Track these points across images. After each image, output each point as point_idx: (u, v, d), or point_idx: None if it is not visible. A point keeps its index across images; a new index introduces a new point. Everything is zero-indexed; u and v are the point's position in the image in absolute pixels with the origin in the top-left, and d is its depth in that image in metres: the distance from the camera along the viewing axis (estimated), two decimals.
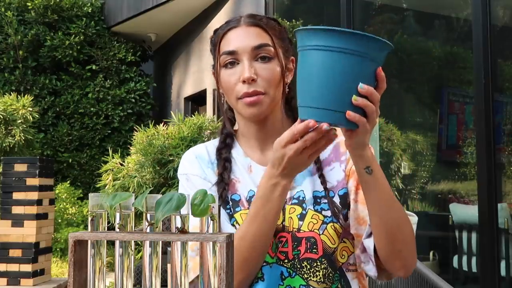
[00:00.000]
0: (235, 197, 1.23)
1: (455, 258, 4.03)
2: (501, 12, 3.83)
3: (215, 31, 1.26)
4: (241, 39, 1.18)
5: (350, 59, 0.89)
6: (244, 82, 1.16)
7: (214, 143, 1.31)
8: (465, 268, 3.92)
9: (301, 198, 1.20)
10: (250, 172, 1.25)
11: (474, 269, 3.80)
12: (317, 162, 1.22)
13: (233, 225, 1.20)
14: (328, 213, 1.20)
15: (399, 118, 5.00)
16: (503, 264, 3.32)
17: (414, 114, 5.11)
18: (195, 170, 1.26)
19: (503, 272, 3.33)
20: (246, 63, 1.17)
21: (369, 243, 1.14)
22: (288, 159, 1.02)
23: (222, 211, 1.22)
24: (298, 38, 0.96)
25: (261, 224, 1.09)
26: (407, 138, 4.77)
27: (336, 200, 1.21)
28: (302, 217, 1.19)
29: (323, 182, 1.20)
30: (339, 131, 1.25)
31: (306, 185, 1.22)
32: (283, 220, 1.19)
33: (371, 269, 1.16)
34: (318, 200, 1.20)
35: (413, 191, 4.69)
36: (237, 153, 1.28)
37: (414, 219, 1.24)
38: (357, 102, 0.91)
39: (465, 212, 4.08)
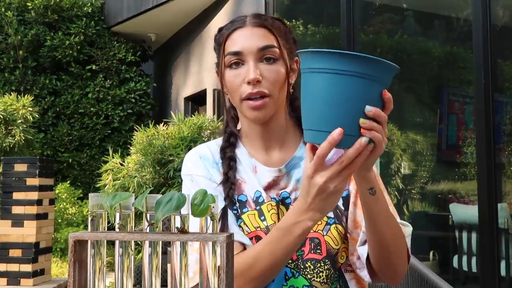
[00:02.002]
0: (241, 198, 1.22)
1: (455, 258, 4.03)
2: (501, 12, 3.83)
3: (220, 29, 1.25)
4: (247, 40, 1.18)
5: (358, 82, 0.89)
6: (249, 83, 1.16)
7: (217, 142, 1.30)
8: (465, 268, 3.92)
9: None
10: (255, 172, 1.24)
11: (474, 269, 3.80)
12: None
13: (240, 226, 1.20)
14: (332, 214, 1.20)
15: (399, 118, 5.00)
16: (503, 264, 3.32)
17: (414, 114, 5.11)
18: (200, 170, 1.25)
19: (503, 272, 3.33)
20: (252, 64, 1.16)
21: (363, 251, 1.16)
22: (319, 190, 0.97)
23: (229, 212, 1.21)
24: (302, 59, 0.95)
25: (276, 252, 1.08)
26: (407, 138, 4.77)
27: (339, 201, 1.21)
28: None
29: None
30: None
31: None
32: None
33: (365, 275, 1.18)
34: None
35: (413, 191, 4.69)
36: (241, 153, 1.27)
37: (408, 229, 1.24)
38: (365, 125, 0.91)
39: (465, 212, 4.08)
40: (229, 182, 1.21)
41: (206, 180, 1.24)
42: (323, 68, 0.90)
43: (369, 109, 0.91)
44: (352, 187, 1.22)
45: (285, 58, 1.20)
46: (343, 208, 1.21)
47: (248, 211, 1.21)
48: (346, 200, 1.22)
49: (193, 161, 1.28)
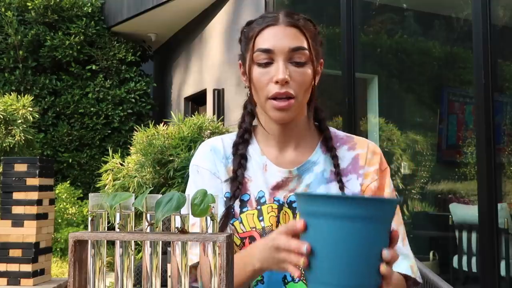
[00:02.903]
0: (244, 197, 1.22)
1: (455, 258, 4.03)
2: (501, 12, 3.83)
3: (249, 23, 1.24)
4: (279, 38, 1.17)
5: (365, 225, 0.80)
6: (277, 82, 1.15)
7: (231, 137, 1.29)
8: (465, 268, 3.92)
9: None
10: (265, 171, 1.23)
11: (474, 269, 3.81)
12: (336, 166, 1.22)
13: (233, 224, 1.20)
14: None
15: (399, 118, 5.00)
16: (503, 264, 3.32)
17: (414, 114, 5.11)
18: (207, 164, 1.25)
19: (503, 272, 3.33)
20: (281, 64, 1.15)
21: None
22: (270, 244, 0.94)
23: (221, 207, 1.21)
24: (307, 202, 0.84)
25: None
26: (407, 138, 4.77)
27: None
28: None
29: (341, 187, 1.20)
30: (359, 143, 1.26)
31: (321, 191, 1.21)
32: None
33: None
34: None
35: (413, 191, 4.69)
36: (254, 150, 1.26)
37: (408, 264, 1.25)
38: (385, 270, 0.81)
39: (465, 212, 4.09)
40: (237, 181, 1.21)
41: (211, 175, 1.24)
42: (329, 213, 0.81)
43: (387, 254, 0.82)
44: (358, 188, 1.22)
45: (314, 60, 1.19)
46: None
47: (247, 210, 1.21)
48: None
49: (203, 152, 1.28)
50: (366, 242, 0.80)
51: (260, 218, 1.20)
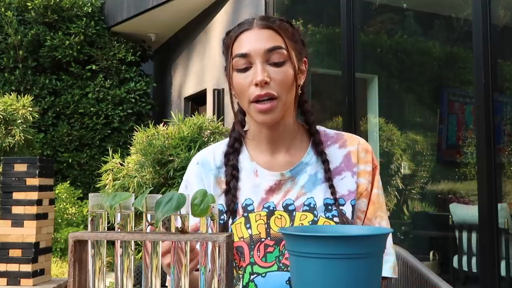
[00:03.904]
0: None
1: (455, 258, 4.03)
2: (501, 12, 3.83)
3: (228, 33, 1.25)
4: (254, 42, 1.17)
5: (354, 263, 0.76)
6: (256, 85, 1.15)
7: (222, 145, 1.30)
8: (465, 268, 3.92)
9: (312, 205, 1.19)
10: (257, 176, 1.23)
11: (474, 269, 3.81)
12: (327, 171, 1.21)
13: None
14: (338, 220, 1.19)
15: (399, 118, 5.00)
16: (503, 264, 3.32)
17: (414, 114, 5.12)
18: (194, 179, 1.28)
19: (503, 272, 3.33)
20: (259, 66, 1.15)
21: None
22: None
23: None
24: (294, 241, 0.80)
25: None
26: (407, 138, 4.77)
27: (348, 208, 1.21)
28: (313, 224, 1.18)
29: (333, 192, 1.20)
30: (349, 140, 1.26)
31: (317, 192, 1.21)
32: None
33: None
34: (330, 207, 1.19)
35: (413, 191, 4.69)
36: (244, 158, 1.26)
37: (391, 261, 1.26)
38: None
39: (465, 212, 4.09)
40: (230, 193, 1.21)
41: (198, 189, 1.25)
42: (312, 253, 0.77)
43: None
44: (362, 205, 1.22)
45: (293, 59, 1.19)
46: (350, 218, 1.20)
47: (236, 219, 1.20)
48: (354, 208, 1.22)
49: (191, 167, 1.30)
50: (363, 278, 0.77)
51: (247, 226, 1.19)
